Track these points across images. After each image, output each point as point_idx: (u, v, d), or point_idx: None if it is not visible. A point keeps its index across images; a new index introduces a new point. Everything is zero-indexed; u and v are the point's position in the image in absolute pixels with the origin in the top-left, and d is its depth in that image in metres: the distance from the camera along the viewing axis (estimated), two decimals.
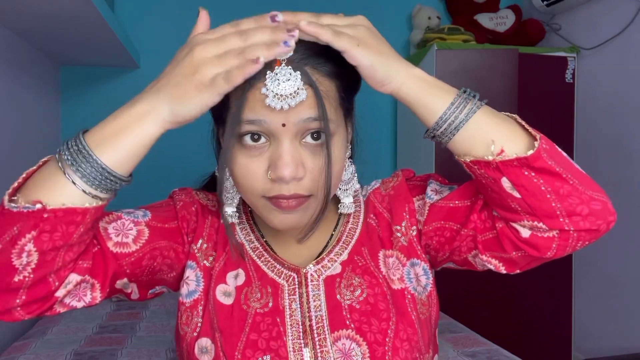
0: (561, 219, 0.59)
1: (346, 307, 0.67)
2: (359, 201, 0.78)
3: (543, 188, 0.58)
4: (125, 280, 0.65)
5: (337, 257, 0.71)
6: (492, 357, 1.64)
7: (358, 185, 0.74)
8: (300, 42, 0.56)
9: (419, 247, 0.72)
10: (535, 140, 0.60)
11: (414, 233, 0.73)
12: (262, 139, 0.59)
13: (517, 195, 0.59)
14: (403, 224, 0.73)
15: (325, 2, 2.98)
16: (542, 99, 2.61)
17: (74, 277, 0.58)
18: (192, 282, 0.71)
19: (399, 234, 0.73)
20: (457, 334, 1.86)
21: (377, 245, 0.73)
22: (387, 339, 0.65)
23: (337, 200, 0.75)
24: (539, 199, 0.58)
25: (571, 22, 2.70)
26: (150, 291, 0.73)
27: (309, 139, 0.59)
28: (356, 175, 0.73)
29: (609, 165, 2.45)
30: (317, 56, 0.59)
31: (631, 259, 2.31)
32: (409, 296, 0.70)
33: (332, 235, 0.74)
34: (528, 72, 2.55)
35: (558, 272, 2.67)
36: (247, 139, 0.59)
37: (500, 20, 2.77)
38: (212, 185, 0.83)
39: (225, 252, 0.72)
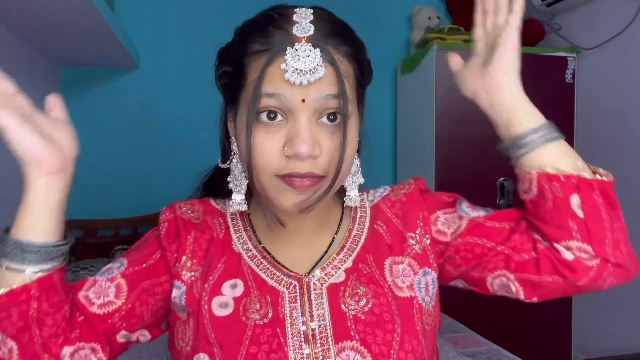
0: (607, 248, 0.64)
1: (351, 317, 0.65)
2: (364, 206, 0.76)
3: (604, 215, 0.64)
4: (124, 332, 0.68)
5: (341, 265, 0.69)
6: (492, 357, 1.64)
7: (362, 180, 0.72)
8: (320, 22, 0.58)
9: (432, 256, 0.72)
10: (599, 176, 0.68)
11: (428, 242, 0.71)
12: (279, 117, 0.58)
13: (580, 214, 0.63)
14: (417, 232, 0.72)
15: (325, 2, 2.98)
16: (542, 99, 2.58)
17: (67, 350, 0.62)
18: (177, 299, 0.68)
19: (412, 241, 0.71)
20: (457, 334, 1.86)
21: (383, 252, 0.71)
22: (391, 351, 0.64)
23: (341, 196, 0.74)
24: (597, 223, 0.63)
25: (571, 22, 2.70)
26: (162, 325, 0.74)
27: (325, 119, 0.59)
28: (360, 169, 0.72)
29: (609, 165, 2.43)
30: (337, 37, 0.60)
31: None
32: (417, 306, 0.68)
33: (333, 238, 0.72)
34: (528, 72, 2.53)
35: None
36: (264, 116, 0.58)
37: None
38: (214, 180, 0.81)
39: (222, 262, 0.68)
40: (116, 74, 2.78)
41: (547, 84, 2.62)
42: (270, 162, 0.58)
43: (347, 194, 0.71)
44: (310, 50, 0.55)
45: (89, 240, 2.68)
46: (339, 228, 0.73)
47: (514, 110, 0.68)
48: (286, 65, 0.55)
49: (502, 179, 2.50)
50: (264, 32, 0.58)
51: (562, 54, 2.63)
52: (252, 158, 0.59)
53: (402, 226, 0.72)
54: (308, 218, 0.70)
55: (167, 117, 2.83)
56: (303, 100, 0.56)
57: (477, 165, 2.50)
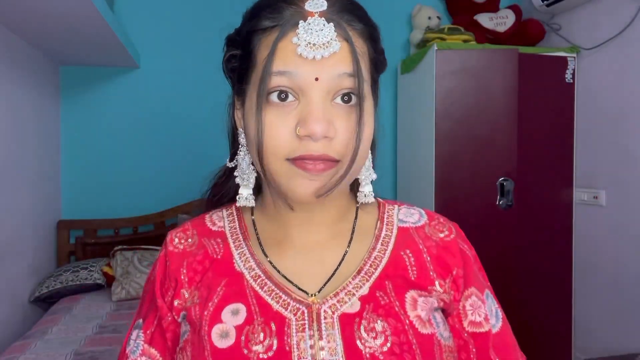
0: None
1: (368, 356, 0.56)
2: (392, 223, 0.68)
3: None
4: None
5: (356, 291, 0.60)
6: None
7: (375, 176, 0.67)
8: None
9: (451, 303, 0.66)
10: None
11: (448, 298, 0.65)
12: (290, 97, 0.55)
13: None
14: (447, 281, 0.64)
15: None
16: (542, 99, 2.61)
17: None
18: (181, 321, 0.65)
19: (439, 288, 0.63)
20: None
21: (404, 283, 0.62)
22: None
23: (354, 202, 0.68)
24: None
25: (571, 22, 2.70)
26: None
27: (339, 100, 0.55)
28: (372, 164, 0.67)
29: (609, 165, 2.45)
30: (352, 13, 0.56)
31: (631, 259, 2.31)
32: (437, 344, 0.60)
33: (346, 251, 0.64)
34: (528, 72, 2.55)
35: (558, 272, 2.67)
36: (274, 96, 0.55)
37: (500, 20, 2.77)
38: (223, 181, 0.75)
39: (223, 285, 0.62)
40: (116, 74, 2.79)
41: (547, 84, 2.62)
42: (282, 144, 0.54)
43: (360, 189, 0.66)
44: (324, 24, 0.53)
45: (89, 240, 2.68)
46: (351, 238, 0.66)
47: None
48: (298, 39, 0.52)
49: (502, 178, 2.50)
50: (274, 8, 0.55)
51: (562, 54, 2.63)
52: (262, 140, 0.55)
53: (433, 268, 0.64)
54: (320, 225, 0.65)
55: (166, 117, 2.83)
56: (316, 79, 0.53)
57: (477, 165, 2.50)
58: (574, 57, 2.63)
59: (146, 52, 2.79)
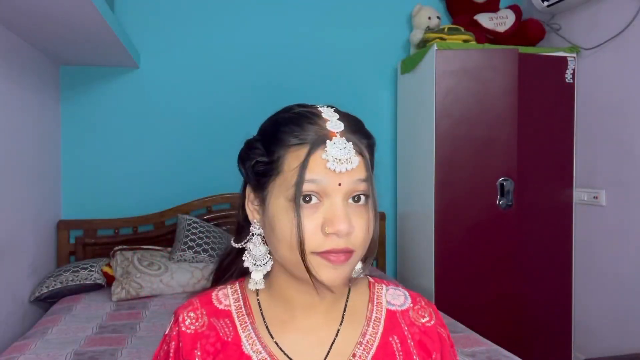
0: None
1: None
2: (381, 304, 0.78)
3: None
4: None
5: None
6: (492, 357, 1.64)
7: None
8: (344, 120, 0.68)
9: None
10: None
11: None
12: (314, 199, 0.66)
13: None
14: None
15: (326, 2, 2.98)
16: (542, 99, 2.61)
17: None
18: None
19: None
20: (457, 334, 1.86)
21: None
22: None
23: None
24: None
25: (571, 22, 2.71)
26: None
27: (351, 200, 0.67)
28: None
29: (609, 165, 2.45)
30: (359, 133, 0.70)
31: (631, 259, 2.31)
32: None
33: (338, 330, 0.74)
34: (528, 72, 2.55)
35: (558, 272, 2.67)
36: (301, 199, 0.66)
37: (500, 20, 2.77)
38: (230, 260, 0.82)
39: None
40: (116, 74, 2.79)
41: (547, 84, 2.62)
42: (311, 241, 0.65)
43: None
44: (345, 144, 0.65)
45: (89, 240, 2.69)
46: (343, 318, 0.75)
47: None
48: (327, 155, 0.64)
49: (502, 178, 2.50)
50: (300, 127, 0.67)
51: (562, 54, 2.64)
52: (289, 239, 0.66)
53: (416, 353, 0.74)
54: (321, 306, 0.73)
55: (166, 117, 2.83)
56: (339, 185, 0.65)
57: (477, 165, 2.50)
58: (574, 57, 2.63)
59: (146, 52, 2.79)
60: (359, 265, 0.73)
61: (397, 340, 0.74)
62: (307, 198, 0.65)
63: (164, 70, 2.81)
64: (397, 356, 0.72)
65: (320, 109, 0.69)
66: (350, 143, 0.65)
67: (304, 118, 0.68)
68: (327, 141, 0.65)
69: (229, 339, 0.72)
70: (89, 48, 2.31)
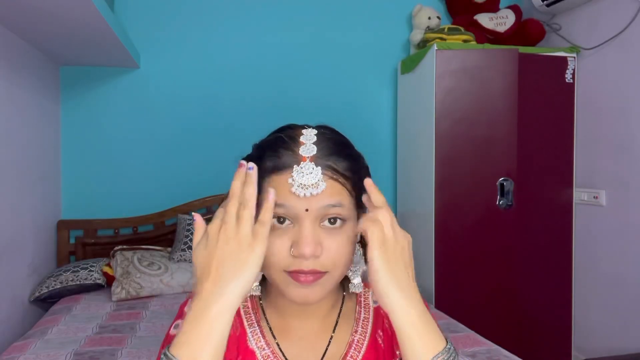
0: None
1: None
2: (368, 306, 0.80)
3: None
4: None
5: None
6: (492, 357, 1.64)
7: (365, 266, 0.75)
8: (323, 142, 0.69)
9: None
10: None
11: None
12: (287, 221, 0.68)
13: None
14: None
15: (326, 3, 2.98)
16: (542, 99, 2.61)
17: None
18: None
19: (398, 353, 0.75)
20: (457, 334, 1.86)
21: None
22: None
23: (344, 283, 0.79)
24: None
25: (571, 22, 2.71)
26: None
27: (326, 222, 0.68)
28: (364, 257, 0.76)
29: (609, 165, 2.45)
30: (336, 155, 0.69)
31: (631, 259, 2.31)
32: None
33: (332, 336, 0.77)
34: (528, 72, 2.55)
35: (558, 272, 2.67)
36: (275, 220, 0.68)
37: (500, 20, 2.77)
38: None
39: None
40: (116, 74, 2.79)
41: (547, 84, 2.62)
42: (280, 260, 0.67)
43: (351, 281, 0.76)
44: (313, 168, 0.66)
45: (89, 240, 2.69)
46: (336, 324, 0.78)
47: (399, 339, 0.67)
48: (292, 180, 0.66)
49: (502, 178, 2.50)
50: (275, 151, 0.69)
51: (562, 54, 2.64)
52: (266, 256, 0.67)
53: (392, 339, 0.76)
54: (315, 316, 0.76)
55: (166, 117, 2.83)
56: (307, 210, 0.66)
57: (477, 165, 2.50)
58: (574, 57, 2.63)
59: (146, 52, 2.79)
60: (358, 279, 0.75)
61: (382, 334, 0.78)
62: (281, 220, 0.67)
63: (164, 71, 2.81)
64: (383, 349, 0.76)
65: (304, 131, 0.70)
66: (319, 168, 0.66)
67: (280, 143, 0.70)
68: (295, 166, 0.66)
69: (237, 333, 0.74)
70: (89, 48, 2.31)
